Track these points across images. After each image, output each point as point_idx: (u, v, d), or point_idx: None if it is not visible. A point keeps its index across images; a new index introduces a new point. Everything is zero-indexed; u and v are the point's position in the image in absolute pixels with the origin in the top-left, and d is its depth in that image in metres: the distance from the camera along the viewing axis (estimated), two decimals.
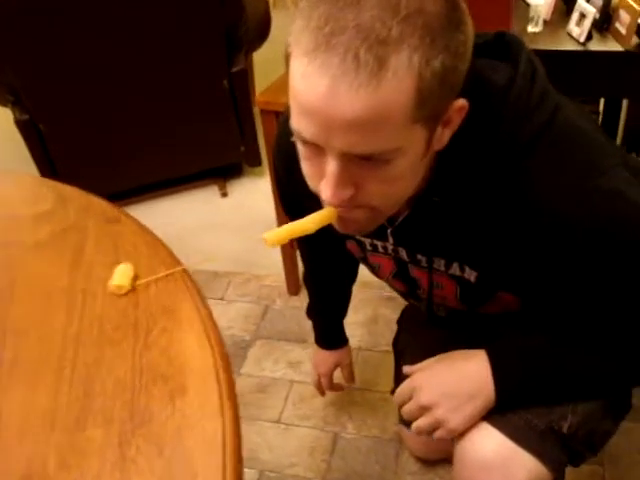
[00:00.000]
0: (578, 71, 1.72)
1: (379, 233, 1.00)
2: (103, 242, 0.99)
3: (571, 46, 1.73)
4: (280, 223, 2.10)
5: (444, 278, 1.03)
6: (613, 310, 0.93)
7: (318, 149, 0.75)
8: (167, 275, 0.90)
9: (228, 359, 0.77)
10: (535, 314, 1.03)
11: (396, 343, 1.56)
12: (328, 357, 1.62)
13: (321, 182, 0.78)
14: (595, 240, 0.84)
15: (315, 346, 1.63)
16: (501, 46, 0.89)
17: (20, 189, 1.13)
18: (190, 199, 2.83)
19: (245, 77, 2.60)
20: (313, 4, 0.70)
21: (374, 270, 1.17)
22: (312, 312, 1.60)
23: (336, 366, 1.64)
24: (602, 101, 2.29)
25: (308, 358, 2.00)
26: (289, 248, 2.16)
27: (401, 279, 1.13)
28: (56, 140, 2.53)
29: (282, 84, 1.89)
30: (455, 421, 1.00)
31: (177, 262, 0.92)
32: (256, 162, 2.80)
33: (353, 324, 2.06)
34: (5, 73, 2.34)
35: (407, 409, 1.06)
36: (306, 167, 0.82)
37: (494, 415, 1.00)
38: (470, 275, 0.98)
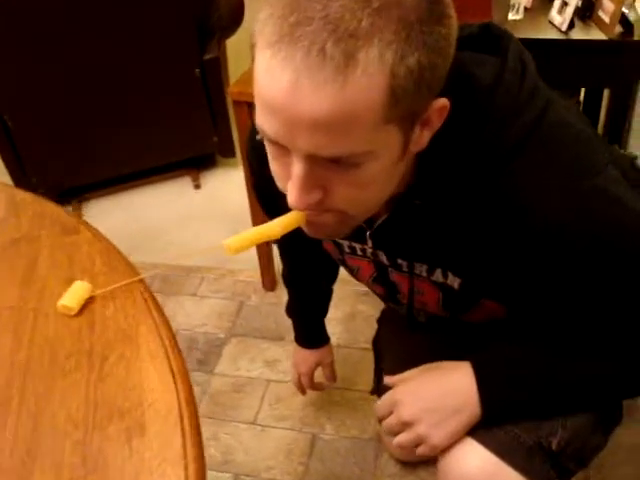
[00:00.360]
0: (560, 60, 1.67)
1: (357, 235, 0.96)
2: (58, 255, 0.91)
3: (553, 35, 1.68)
4: (254, 216, 2.05)
5: (426, 284, 0.99)
6: (605, 318, 0.88)
7: (284, 149, 0.70)
8: (124, 285, 0.83)
9: (192, 393, 0.70)
10: (521, 322, 0.98)
11: (376, 342, 1.51)
12: (309, 356, 1.59)
13: (288, 184, 0.73)
14: (588, 247, 0.79)
15: (295, 344, 1.60)
16: (487, 38, 0.84)
17: None
18: (163, 191, 2.78)
19: (218, 65, 2.53)
20: None
21: (353, 273, 1.13)
22: (291, 311, 1.56)
23: (317, 365, 1.61)
24: (582, 91, 2.25)
25: (285, 356, 1.96)
26: (264, 243, 2.10)
27: (380, 283, 1.09)
28: (22, 131, 2.46)
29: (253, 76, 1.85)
30: (438, 437, 0.95)
31: (136, 276, 0.85)
32: (230, 153, 2.74)
33: (331, 321, 1.98)
34: None
35: (388, 424, 1.01)
36: (274, 166, 0.77)
37: (479, 430, 0.95)
38: (453, 282, 0.94)
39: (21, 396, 0.73)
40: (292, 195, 0.72)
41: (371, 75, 0.63)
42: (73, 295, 0.82)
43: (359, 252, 1.03)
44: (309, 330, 1.58)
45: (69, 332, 0.79)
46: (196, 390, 1.85)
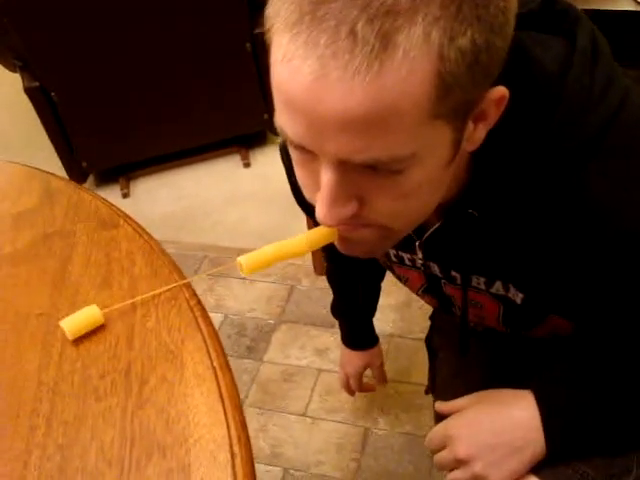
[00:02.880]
0: (635, 35, 1.55)
1: (406, 244, 0.87)
2: (94, 253, 0.82)
3: (627, 6, 1.54)
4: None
5: (485, 297, 0.89)
6: None
7: (311, 154, 0.60)
8: (168, 291, 0.73)
9: (246, 427, 0.60)
10: (587, 338, 0.90)
11: (429, 341, 1.40)
12: (356, 358, 1.50)
13: (317, 195, 0.63)
14: None
15: (342, 347, 1.50)
16: (551, 15, 0.72)
17: (4, 180, 0.96)
18: (211, 169, 2.72)
19: None
20: None
21: (402, 281, 1.03)
22: (337, 311, 1.46)
23: (365, 368, 1.52)
24: None
25: (336, 345, 1.87)
26: (316, 222, 2.02)
27: (432, 294, 0.99)
28: (69, 109, 2.42)
29: None
30: (496, 477, 0.85)
31: (183, 281, 0.75)
32: None
33: (385, 308, 1.95)
34: (10, 36, 2.22)
35: (441, 459, 0.92)
36: (300, 174, 0.67)
37: (544, 467, 0.85)
38: (516, 296, 0.84)
39: (48, 425, 0.64)
40: (321, 209, 0.62)
41: (414, 60, 0.52)
42: (76, 320, 0.73)
43: (407, 262, 0.94)
44: (356, 331, 1.49)
45: (104, 347, 0.70)
46: (245, 378, 1.83)
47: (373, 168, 0.58)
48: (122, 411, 0.62)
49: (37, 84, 2.33)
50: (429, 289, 0.98)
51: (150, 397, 0.64)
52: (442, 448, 0.91)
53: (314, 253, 2.09)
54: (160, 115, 2.53)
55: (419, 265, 0.91)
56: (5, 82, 2.73)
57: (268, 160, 2.72)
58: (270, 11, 0.56)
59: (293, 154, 0.65)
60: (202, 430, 0.59)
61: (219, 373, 0.63)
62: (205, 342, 0.66)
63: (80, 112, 2.46)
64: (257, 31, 2.38)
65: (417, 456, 1.60)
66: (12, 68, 2.43)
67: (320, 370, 1.85)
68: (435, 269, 0.90)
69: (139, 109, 2.49)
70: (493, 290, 0.86)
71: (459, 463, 0.88)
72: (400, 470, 1.58)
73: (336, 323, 1.94)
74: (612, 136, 0.68)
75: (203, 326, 0.68)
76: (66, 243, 0.83)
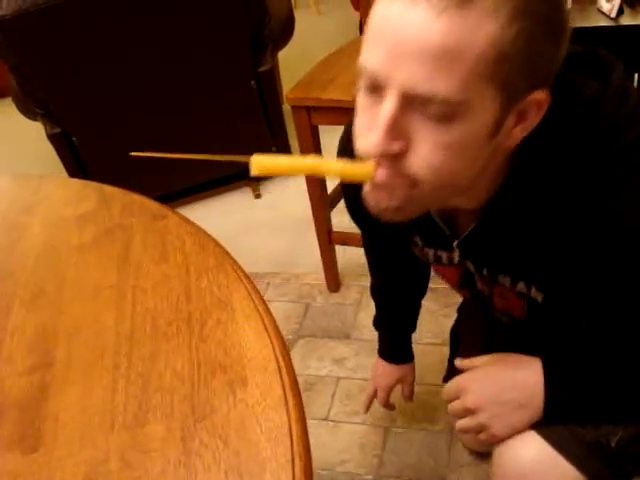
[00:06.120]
0: (609, 47, 1.68)
1: (444, 244, 0.96)
2: (150, 238, 0.98)
3: (602, 22, 1.68)
4: (316, 220, 2.09)
5: (511, 294, 0.96)
6: None
7: (377, 94, 0.68)
8: (217, 261, 0.88)
9: (287, 348, 0.74)
10: (600, 335, 0.96)
11: (454, 331, 1.51)
12: (392, 371, 1.52)
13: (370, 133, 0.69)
14: None
15: (378, 358, 1.53)
16: (591, 62, 0.81)
17: (64, 191, 1.13)
18: (225, 202, 2.83)
19: (272, 76, 2.60)
20: None
21: (441, 277, 1.12)
22: (379, 324, 1.51)
23: (398, 382, 1.54)
24: (635, 77, 2.25)
25: (353, 354, 1.99)
26: (327, 244, 2.14)
27: (469, 288, 1.07)
28: (89, 151, 2.55)
29: (311, 80, 1.92)
30: (498, 428, 0.96)
31: (225, 252, 0.90)
32: None
33: None
34: (34, 86, 2.36)
35: (453, 408, 1.02)
36: (360, 121, 0.73)
37: (540, 424, 0.95)
38: (537, 295, 0.92)
39: (129, 361, 0.78)
40: (374, 136, 0.68)
41: (485, 19, 0.62)
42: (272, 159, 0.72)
43: (444, 261, 1.01)
44: (396, 345, 1.51)
45: (167, 304, 0.84)
46: None
47: (428, 108, 0.65)
48: (188, 346, 0.76)
49: (59, 130, 2.45)
50: (465, 284, 1.05)
51: (210, 334, 0.78)
52: (456, 398, 1.00)
53: (326, 272, 2.21)
54: (173, 152, 2.63)
55: (457, 263, 0.99)
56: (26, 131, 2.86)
57: (277, 191, 2.83)
58: None
59: (361, 101, 0.71)
60: (254, 352, 0.73)
61: (262, 312, 0.78)
62: (249, 293, 0.81)
63: (99, 155, 2.56)
64: (262, 69, 2.52)
65: (435, 449, 1.67)
66: (33, 117, 2.56)
67: (339, 378, 1.93)
68: (470, 266, 0.98)
69: (153, 147, 2.58)
70: (517, 289, 0.93)
71: (468, 412, 0.98)
72: (421, 463, 1.65)
73: (351, 333, 2.05)
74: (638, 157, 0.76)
75: (246, 283, 0.83)
76: (125, 234, 0.98)
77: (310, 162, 0.71)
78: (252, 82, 2.53)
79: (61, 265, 0.96)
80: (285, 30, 2.78)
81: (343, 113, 1.79)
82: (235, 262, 0.88)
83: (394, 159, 0.69)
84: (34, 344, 0.85)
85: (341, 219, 2.16)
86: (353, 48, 2.11)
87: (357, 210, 1.06)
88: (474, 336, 1.34)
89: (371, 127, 0.69)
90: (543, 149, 0.75)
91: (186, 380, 0.73)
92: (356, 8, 3.32)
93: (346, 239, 2.10)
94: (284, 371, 0.71)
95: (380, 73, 0.66)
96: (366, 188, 0.76)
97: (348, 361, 1.99)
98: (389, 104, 0.66)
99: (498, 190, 0.80)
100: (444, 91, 0.64)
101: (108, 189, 1.06)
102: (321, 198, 2.06)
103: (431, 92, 0.64)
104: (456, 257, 0.97)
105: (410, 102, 0.66)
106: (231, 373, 0.73)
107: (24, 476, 0.69)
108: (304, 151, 1.96)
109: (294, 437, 0.65)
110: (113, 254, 0.94)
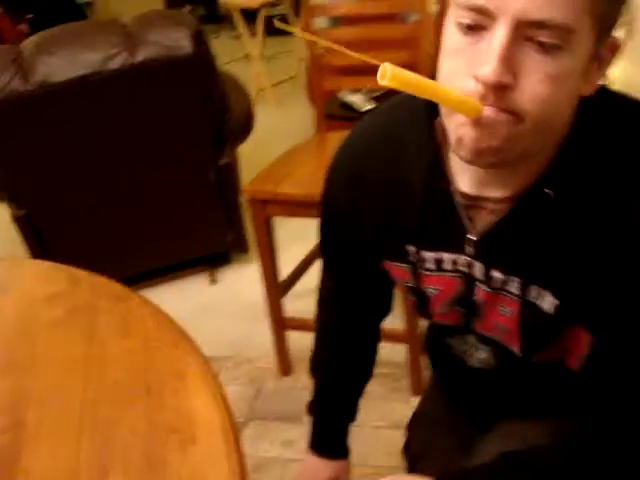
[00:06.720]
0: None
1: (455, 243, 0.89)
2: (114, 317, 1.07)
3: None
4: (271, 307, 2.19)
5: (514, 303, 0.88)
6: None
7: (477, 33, 0.69)
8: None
9: (232, 413, 0.85)
10: (590, 374, 0.91)
11: (408, 449, 1.32)
12: (323, 468, 1.29)
13: (478, 67, 0.68)
14: None
15: (308, 454, 1.32)
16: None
17: (35, 272, 1.23)
18: (180, 287, 2.90)
19: (231, 170, 2.72)
20: None
21: (423, 300, 1.00)
22: (317, 407, 1.31)
23: None
24: None
25: (302, 437, 2.02)
26: (280, 329, 2.24)
27: (459, 305, 0.96)
28: (53, 235, 2.60)
29: (268, 175, 2.06)
30: None
31: (181, 330, 1.00)
32: (243, 249, 2.91)
33: None
34: None
35: None
36: (452, 66, 0.73)
37: None
38: (548, 304, 0.85)
39: (93, 426, 0.86)
40: (488, 66, 0.67)
41: None
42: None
43: (446, 266, 0.92)
44: (331, 431, 1.30)
45: (129, 374, 0.93)
46: None
47: (537, 38, 0.66)
48: (145, 411, 0.87)
49: (23, 212, 2.50)
50: (457, 299, 0.95)
51: (166, 401, 0.88)
52: None
53: (279, 356, 2.28)
54: (132, 239, 2.69)
55: (461, 267, 0.90)
56: None
57: (233, 277, 2.92)
58: None
59: (455, 42, 0.71)
60: (205, 416, 0.84)
61: (213, 384, 0.90)
62: (201, 366, 0.92)
63: (62, 237, 2.60)
64: (221, 162, 2.64)
65: None
66: None
67: (287, 460, 1.98)
68: (476, 270, 0.89)
69: (116, 237, 2.66)
70: (527, 295, 0.86)
71: None
72: None
73: (302, 417, 2.06)
74: None
75: (200, 357, 0.95)
76: (92, 312, 1.07)
77: (432, 83, 0.70)
78: (211, 174, 2.64)
79: (32, 339, 1.05)
80: (245, 126, 2.93)
81: (297, 206, 1.95)
82: (190, 339, 0.98)
83: (502, 93, 0.69)
84: (6, 407, 0.93)
85: (294, 304, 2.28)
86: (306, 147, 2.28)
87: (334, 230, 1.08)
88: (435, 447, 1.22)
89: (473, 66, 0.69)
90: (591, 136, 0.77)
91: (144, 439, 0.82)
92: (313, 105, 3.47)
93: (298, 325, 2.19)
94: (230, 434, 0.80)
95: (491, 4, 0.66)
96: (462, 130, 0.73)
97: (297, 443, 2.04)
98: (502, 32, 0.67)
99: (543, 172, 0.80)
100: (556, 15, 0.65)
101: (77, 272, 1.16)
102: (274, 284, 2.17)
103: (544, 16, 0.65)
104: (464, 258, 0.90)
105: (521, 33, 0.67)
106: (183, 433, 0.82)
107: None
108: (259, 240, 2.09)
109: None
110: (81, 330, 1.04)
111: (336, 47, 0.75)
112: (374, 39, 2.31)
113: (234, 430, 0.81)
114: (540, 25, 0.66)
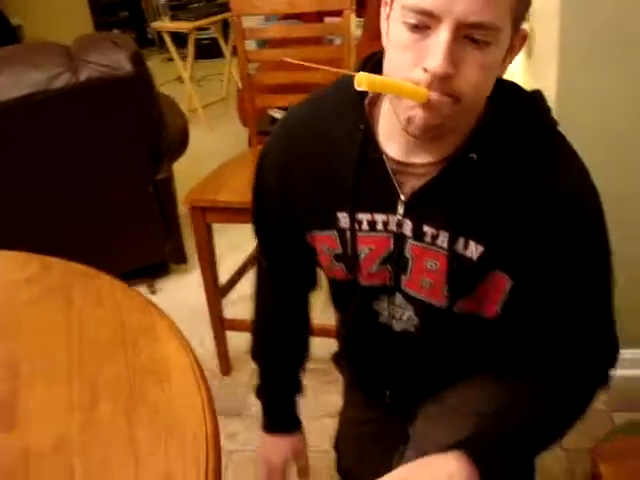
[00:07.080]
0: None
1: (387, 204, 0.99)
2: (87, 292, 1.22)
3: None
4: (212, 314, 2.32)
5: (441, 256, 0.98)
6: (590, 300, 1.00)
7: (423, 32, 0.82)
8: None
9: (197, 358, 1.00)
10: (508, 327, 1.03)
11: (340, 468, 1.44)
12: (281, 443, 1.34)
13: (424, 60, 0.82)
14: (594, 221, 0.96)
15: (263, 435, 1.36)
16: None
17: (7, 260, 1.35)
18: None
19: (168, 184, 2.83)
20: None
21: (354, 262, 1.06)
22: (264, 389, 1.36)
23: (290, 454, 1.34)
24: None
25: (243, 429, 2.18)
26: (220, 330, 2.37)
27: (389, 263, 1.03)
28: None
29: (205, 185, 2.21)
30: None
31: (150, 301, 1.16)
32: (181, 260, 3.03)
33: None
34: None
35: None
36: (402, 57, 0.85)
37: None
38: (473, 252, 0.96)
39: (80, 372, 1.00)
40: (434, 61, 0.80)
41: None
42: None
43: (379, 226, 1.01)
44: (282, 407, 1.35)
45: (106, 334, 1.08)
46: None
47: (478, 29, 0.80)
48: (124, 360, 1.02)
49: None
50: (388, 257, 1.03)
51: (141, 351, 1.03)
52: None
53: (220, 357, 2.41)
54: (76, 253, 2.49)
55: (392, 227, 1.00)
56: None
57: (173, 287, 3.02)
58: None
59: (404, 38, 0.84)
60: (176, 360, 1.00)
61: (180, 337, 1.07)
62: (169, 323, 1.09)
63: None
64: (159, 177, 2.75)
65: None
66: None
67: (231, 451, 2.09)
68: (407, 228, 0.99)
69: (55, 249, 2.49)
70: (454, 247, 0.96)
71: None
72: None
73: (242, 412, 2.15)
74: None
75: (166, 317, 1.11)
76: (67, 289, 1.21)
77: (392, 81, 0.85)
78: (150, 188, 2.73)
79: (15, 314, 1.18)
80: (181, 143, 3.04)
81: (234, 213, 2.10)
82: (156, 305, 1.14)
83: (445, 80, 0.82)
84: (1, 362, 1.06)
85: (232, 310, 2.43)
86: (241, 159, 2.46)
87: (265, 210, 1.16)
88: (363, 461, 1.33)
89: (417, 61, 0.83)
90: (505, 112, 0.93)
91: (126, 380, 0.97)
92: (244, 125, 3.61)
93: (237, 326, 2.33)
94: (198, 373, 0.97)
95: (437, 9, 0.79)
96: (412, 112, 0.86)
97: (241, 435, 2.16)
98: (446, 33, 0.80)
99: (466, 140, 0.94)
100: (491, 18, 0.80)
101: (47, 258, 1.30)
102: (214, 287, 2.31)
103: (481, 20, 0.80)
104: (395, 218, 0.99)
105: (460, 32, 0.81)
106: (159, 375, 0.97)
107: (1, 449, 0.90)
108: (200, 246, 2.23)
109: (206, 408, 0.93)
110: (59, 304, 1.17)
111: (325, 67, 0.94)
112: (302, 60, 2.49)
113: (201, 370, 0.96)
114: (476, 26, 0.80)
